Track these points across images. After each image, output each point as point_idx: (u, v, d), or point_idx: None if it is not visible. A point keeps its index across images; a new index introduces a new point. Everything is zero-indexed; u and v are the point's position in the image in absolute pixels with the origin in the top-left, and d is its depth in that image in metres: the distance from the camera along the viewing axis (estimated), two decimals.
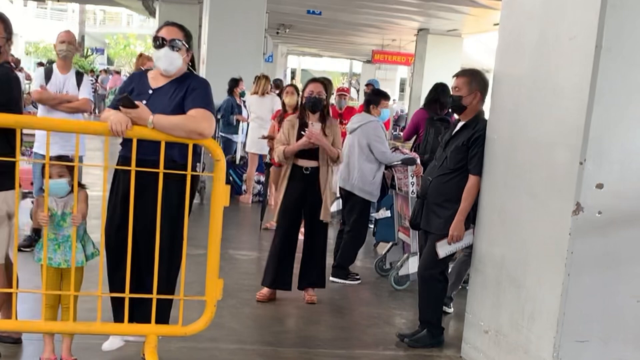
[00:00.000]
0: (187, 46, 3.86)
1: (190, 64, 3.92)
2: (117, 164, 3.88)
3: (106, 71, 28.01)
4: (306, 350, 4.53)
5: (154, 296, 3.73)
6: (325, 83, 5.70)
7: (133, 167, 3.60)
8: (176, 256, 3.88)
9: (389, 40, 24.97)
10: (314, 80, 5.64)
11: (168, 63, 3.80)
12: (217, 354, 4.35)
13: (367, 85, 11.17)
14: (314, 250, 5.46)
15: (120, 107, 3.51)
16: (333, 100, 11.52)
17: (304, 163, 5.35)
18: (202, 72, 15.60)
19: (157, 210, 3.60)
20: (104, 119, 3.54)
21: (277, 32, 24.89)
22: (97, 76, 25.45)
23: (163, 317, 3.93)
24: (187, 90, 3.75)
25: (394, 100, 31.40)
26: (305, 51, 38.14)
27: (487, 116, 4.55)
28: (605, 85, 3.46)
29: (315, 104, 5.37)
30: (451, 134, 4.65)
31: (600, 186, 3.53)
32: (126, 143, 3.73)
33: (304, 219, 5.48)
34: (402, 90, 36.13)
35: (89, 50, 41.37)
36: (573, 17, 3.66)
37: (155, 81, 3.87)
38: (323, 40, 29.39)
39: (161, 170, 3.61)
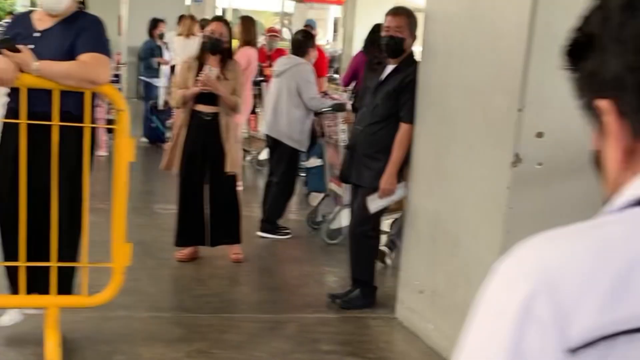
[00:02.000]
0: None
1: (79, 0, 3.45)
2: (5, 118, 3.45)
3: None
4: (228, 316, 4.20)
5: (53, 264, 3.38)
6: (229, 23, 5.22)
7: (23, 121, 3.24)
8: (78, 218, 3.49)
9: None
10: (217, 19, 5.21)
11: (53, 0, 3.32)
12: (129, 324, 3.99)
13: (305, 26, 10.70)
14: (222, 204, 5.03)
15: (2, 52, 3.08)
16: (263, 40, 11.05)
17: (203, 109, 4.89)
18: (124, 13, 14.82)
19: (53, 169, 3.26)
20: None
21: None
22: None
23: (66, 287, 3.57)
24: (79, 30, 3.29)
25: (327, 41, 30.81)
26: None
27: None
28: (545, 23, 3.13)
29: (215, 45, 4.90)
30: (380, 79, 4.28)
31: (540, 135, 3.24)
32: (14, 93, 3.31)
33: (208, 171, 5.03)
34: (336, 30, 35.53)
35: None
36: None
37: (41, 22, 3.39)
38: None
39: (55, 123, 3.25)
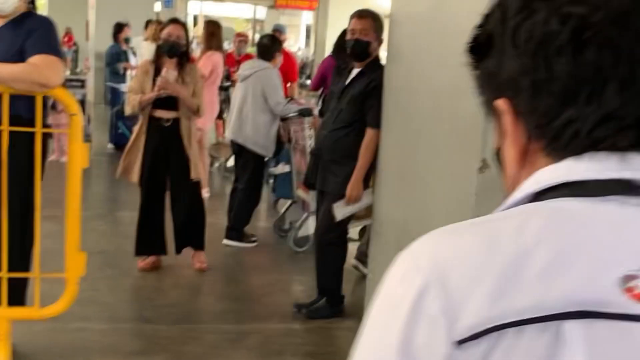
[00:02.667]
0: None
1: (28, 0, 3.29)
2: None
3: None
4: (190, 327, 4.06)
5: (3, 274, 3.25)
6: (186, 26, 5.08)
7: None
8: (30, 227, 3.35)
9: None
10: (174, 21, 5.01)
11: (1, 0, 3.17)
12: (86, 336, 3.84)
13: (274, 31, 10.58)
14: (186, 211, 4.88)
15: None
16: (229, 45, 10.91)
17: (162, 114, 4.73)
18: (91, 17, 14.58)
19: (2, 175, 3.15)
20: None
21: None
22: None
23: (17, 298, 3.42)
24: (28, 31, 3.14)
25: (299, 47, 30.77)
26: None
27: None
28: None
29: (173, 48, 4.74)
30: (345, 83, 4.18)
31: None
32: None
33: (170, 178, 4.88)
34: (308, 36, 35.49)
35: None
36: None
37: None
38: None
39: (5, 127, 3.13)
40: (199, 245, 4.97)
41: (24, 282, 3.46)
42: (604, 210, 0.67)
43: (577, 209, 0.68)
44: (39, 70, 3.03)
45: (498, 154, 0.80)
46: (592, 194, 0.68)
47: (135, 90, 4.76)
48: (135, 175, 4.76)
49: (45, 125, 3.35)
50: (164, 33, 4.79)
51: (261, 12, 37.91)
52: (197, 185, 4.91)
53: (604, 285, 0.63)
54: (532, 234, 0.66)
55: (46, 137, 3.38)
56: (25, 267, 3.41)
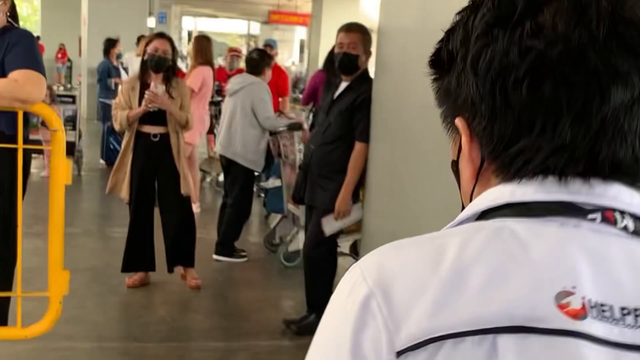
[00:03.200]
0: None
1: (9, 14, 3.24)
2: None
3: None
4: (177, 345, 4.00)
5: None
6: (172, 40, 5.03)
7: None
8: (12, 244, 3.28)
9: (285, 0, 24.25)
10: (160, 35, 4.96)
11: None
12: (72, 355, 3.78)
13: (265, 46, 10.55)
14: (176, 227, 4.82)
15: None
16: (222, 60, 10.88)
17: (150, 129, 4.68)
18: (83, 33, 14.60)
19: None
20: None
21: None
22: None
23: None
24: (7, 46, 3.09)
25: (292, 62, 30.78)
26: (200, 12, 36.80)
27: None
28: None
29: (160, 63, 4.69)
30: (333, 97, 4.15)
31: None
32: None
33: (159, 194, 4.84)
34: (302, 51, 35.54)
35: None
36: None
37: None
38: (218, 0, 28.36)
39: None
40: (189, 262, 4.91)
41: (5, 301, 3.38)
42: (544, 231, 0.70)
43: (518, 229, 0.70)
44: (19, 86, 2.97)
45: (456, 166, 0.82)
46: (535, 215, 0.71)
47: (122, 106, 4.71)
48: (124, 192, 4.71)
49: (28, 142, 3.29)
50: (150, 48, 4.73)
51: (255, 27, 38.08)
52: (187, 201, 4.86)
53: (539, 301, 0.65)
54: (473, 251, 0.68)
55: (28, 153, 3.32)
56: (7, 286, 3.34)
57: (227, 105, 5.71)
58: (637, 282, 0.67)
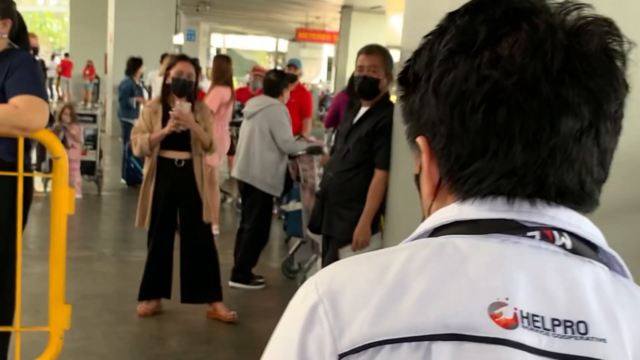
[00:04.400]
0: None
1: (16, 35, 3.08)
2: None
3: None
4: None
5: None
6: (196, 63, 4.88)
7: None
8: (10, 279, 3.13)
9: (313, 18, 24.20)
10: (183, 58, 4.80)
11: None
12: None
13: (289, 66, 10.39)
14: (197, 257, 4.66)
15: None
16: (248, 79, 10.74)
17: (174, 155, 4.53)
18: (109, 50, 14.62)
19: None
20: None
21: (197, 10, 23.85)
22: None
23: None
24: (8, 71, 2.94)
25: (320, 80, 30.76)
26: (229, 29, 36.97)
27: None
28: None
29: (185, 87, 4.54)
30: (352, 122, 3.96)
31: None
32: None
33: (180, 221, 4.68)
34: (329, 69, 35.51)
35: None
36: None
37: None
38: (246, 18, 28.41)
39: None
40: (217, 296, 4.74)
41: (4, 336, 3.23)
42: (485, 246, 0.74)
43: (461, 244, 0.74)
44: (20, 113, 2.82)
45: (418, 180, 0.87)
46: (479, 231, 0.75)
47: (142, 130, 4.54)
48: (146, 221, 4.57)
49: (29, 169, 3.16)
50: (174, 71, 4.56)
51: (283, 44, 38.16)
52: (209, 229, 4.71)
53: (473, 311, 0.69)
54: (417, 265, 0.73)
55: (29, 181, 3.18)
56: (7, 319, 3.18)
57: (244, 129, 5.54)
58: (569, 296, 0.71)
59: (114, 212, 8.28)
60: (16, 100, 2.85)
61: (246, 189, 5.53)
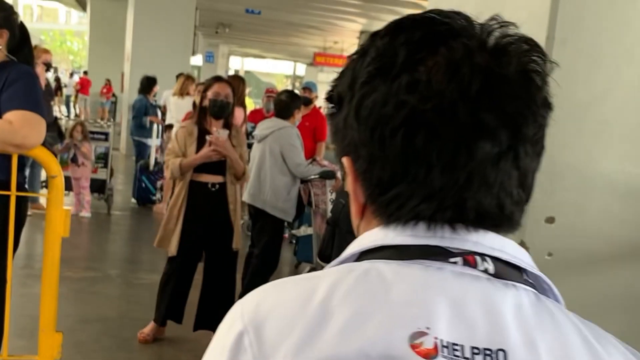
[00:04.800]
0: None
1: (17, 46, 2.93)
2: None
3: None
4: None
5: None
6: (233, 83, 4.74)
7: None
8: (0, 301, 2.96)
9: (331, 42, 24.25)
10: (220, 79, 4.65)
11: None
12: None
13: (304, 89, 10.26)
14: (219, 285, 4.48)
15: None
16: (261, 101, 10.63)
17: (208, 179, 4.37)
18: (126, 69, 14.61)
19: None
20: None
21: (217, 32, 23.98)
22: None
23: None
24: (4, 84, 2.78)
25: None
26: (247, 52, 37.14)
27: None
28: (560, 86, 2.63)
29: (223, 109, 4.38)
30: None
31: (551, 220, 2.71)
32: None
33: (208, 248, 4.52)
34: None
35: None
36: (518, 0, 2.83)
37: None
38: (265, 41, 28.54)
39: None
40: None
41: None
42: (408, 273, 0.73)
43: (385, 271, 0.73)
44: (14, 130, 2.65)
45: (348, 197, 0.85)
46: (403, 257, 0.74)
47: (175, 153, 4.37)
48: (173, 245, 4.36)
49: (23, 188, 2.99)
50: (211, 93, 4.39)
51: (301, 68, 38.26)
52: (236, 256, 4.56)
53: (394, 340, 0.68)
54: (341, 293, 0.72)
55: (23, 201, 3.01)
56: None
57: (255, 152, 5.35)
58: (489, 324, 0.70)
59: (122, 232, 8.13)
60: (11, 116, 2.69)
61: (256, 213, 5.34)
